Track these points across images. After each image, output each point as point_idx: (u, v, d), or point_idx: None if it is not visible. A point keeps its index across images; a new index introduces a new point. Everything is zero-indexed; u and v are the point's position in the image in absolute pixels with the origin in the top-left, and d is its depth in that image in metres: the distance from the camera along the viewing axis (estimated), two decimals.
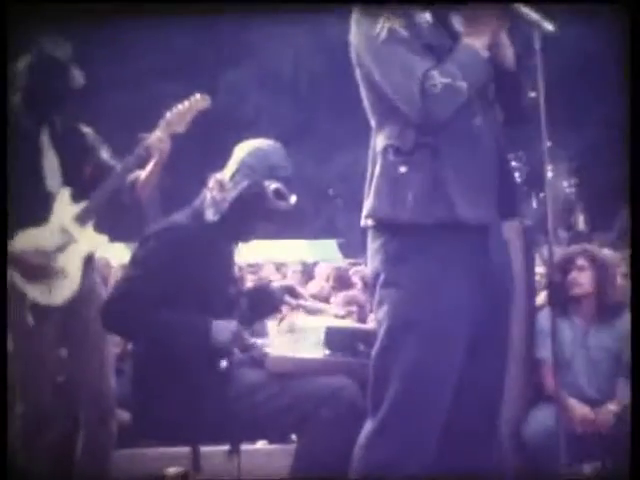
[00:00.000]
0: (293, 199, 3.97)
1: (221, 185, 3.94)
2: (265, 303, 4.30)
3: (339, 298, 6.81)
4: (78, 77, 4.57)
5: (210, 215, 3.94)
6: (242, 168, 3.95)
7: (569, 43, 17.65)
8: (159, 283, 3.78)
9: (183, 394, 3.76)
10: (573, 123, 19.86)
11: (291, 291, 4.48)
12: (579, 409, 4.72)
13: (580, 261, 4.90)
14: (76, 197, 4.55)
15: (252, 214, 3.96)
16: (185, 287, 3.80)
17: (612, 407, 4.72)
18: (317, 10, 22.57)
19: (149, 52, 22.06)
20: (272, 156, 3.99)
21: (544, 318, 4.67)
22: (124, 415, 4.79)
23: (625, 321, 4.68)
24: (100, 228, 4.61)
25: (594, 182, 22.81)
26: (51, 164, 4.57)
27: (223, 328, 3.77)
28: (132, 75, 21.29)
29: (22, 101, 4.55)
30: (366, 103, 3.20)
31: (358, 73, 3.18)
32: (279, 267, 11.72)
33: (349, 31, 3.17)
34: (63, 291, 4.47)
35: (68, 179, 4.57)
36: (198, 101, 4.51)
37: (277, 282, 6.11)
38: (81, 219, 4.51)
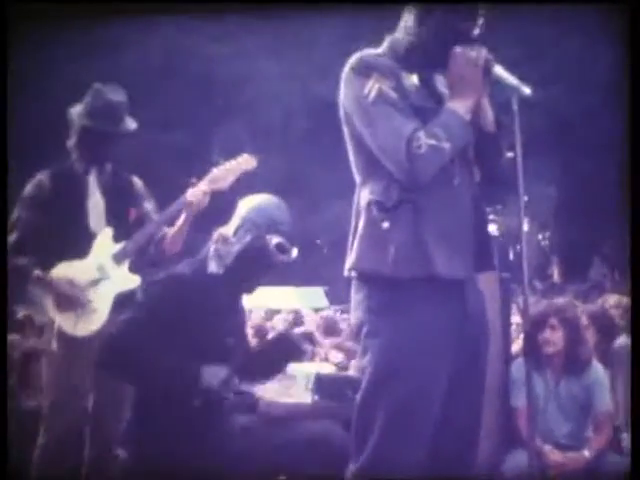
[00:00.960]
0: (294, 252, 3.99)
1: (225, 239, 3.95)
2: (288, 351, 4.25)
3: (327, 344, 6.80)
4: (130, 123, 4.62)
5: (214, 268, 3.94)
6: (245, 223, 3.95)
7: (548, 104, 17.81)
8: (157, 328, 3.77)
9: (176, 436, 3.74)
10: (549, 178, 20.00)
11: (310, 338, 4.47)
12: (552, 455, 4.79)
13: (552, 320, 5.01)
14: (117, 237, 4.58)
15: (255, 267, 3.96)
16: (184, 335, 3.80)
17: (586, 453, 4.82)
18: (308, 70, 22.79)
19: (144, 106, 22.19)
20: (274, 212, 4.00)
21: (518, 368, 4.82)
22: (122, 453, 4.76)
23: (592, 372, 4.96)
24: (135, 269, 4.62)
25: (568, 235, 22.93)
26: (97, 204, 4.63)
27: (213, 374, 3.77)
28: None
29: (77, 142, 4.58)
30: (352, 160, 3.23)
31: (346, 131, 3.21)
32: (268, 314, 11.68)
33: (338, 90, 3.21)
34: (90, 325, 4.46)
35: (112, 220, 4.61)
36: (245, 160, 4.53)
37: (297, 330, 6.07)
38: (117, 258, 4.52)
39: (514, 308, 6.11)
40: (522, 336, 3.32)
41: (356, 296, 3.18)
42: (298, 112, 22.58)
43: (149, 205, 4.76)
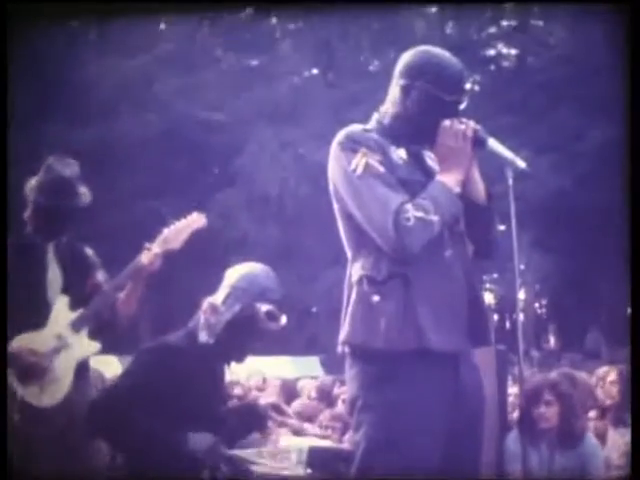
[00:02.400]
0: (284, 320, 3.98)
1: (214, 308, 3.95)
2: (251, 420, 4.27)
3: (326, 415, 6.75)
4: (85, 195, 4.63)
5: (204, 337, 3.95)
6: (234, 292, 3.96)
7: (542, 173, 17.93)
8: (146, 396, 3.77)
9: None
10: (544, 248, 20.06)
11: (276, 408, 4.46)
12: None
13: (548, 396, 5.02)
14: (73, 305, 4.56)
15: (245, 335, 3.96)
16: (172, 403, 3.79)
17: None
18: (301, 137, 22.96)
19: (141, 172, 22.27)
20: (263, 280, 4.00)
21: (514, 440, 4.87)
22: None
23: (586, 445, 4.98)
24: (94, 336, 4.61)
25: (564, 304, 22.94)
26: (54, 276, 4.61)
27: (199, 440, 3.75)
28: (125, 194, 21.44)
29: (32, 216, 4.60)
30: (343, 234, 3.24)
31: (335, 206, 3.22)
32: (263, 382, 11.60)
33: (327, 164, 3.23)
34: (54, 394, 4.44)
35: (68, 289, 4.60)
36: (195, 220, 4.54)
37: (263, 399, 6.05)
38: (76, 326, 4.52)
39: (510, 378, 6.10)
40: (518, 416, 3.30)
41: (350, 370, 3.16)
42: (293, 180, 22.70)
43: (101, 276, 4.76)
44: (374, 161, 3.09)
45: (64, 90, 21.05)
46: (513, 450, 4.85)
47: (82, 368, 4.53)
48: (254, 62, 25.75)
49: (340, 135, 3.19)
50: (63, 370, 4.48)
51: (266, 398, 7.85)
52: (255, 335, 3.98)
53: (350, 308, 3.14)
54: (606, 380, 5.92)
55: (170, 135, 22.39)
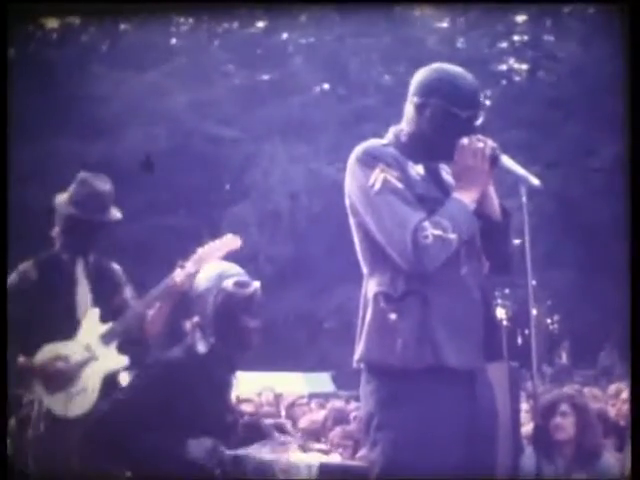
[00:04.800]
0: (256, 284, 4.01)
1: (198, 322, 3.98)
2: (254, 438, 4.27)
3: (337, 431, 6.73)
4: (115, 212, 4.67)
5: (201, 347, 3.96)
6: (204, 294, 3.99)
7: (555, 187, 17.91)
8: (149, 411, 3.79)
9: None
10: (556, 263, 20.02)
11: (281, 428, 4.47)
12: None
13: (563, 407, 4.99)
14: (104, 318, 4.60)
15: (233, 321, 3.97)
16: (175, 414, 3.82)
17: None
18: (313, 152, 22.98)
19: (154, 187, 22.30)
20: (221, 266, 4.10)
21: (529, 457, 4.78)
22: None
23: (604, 460, 4.92)
24: (122, 351, 4.63)
25: (577, 320, 22.86)
26: (83, 290, 4.67)
27: (198, 445, 3.77)
28: (137, 210, 21.49)
29: (62, 230, 4.64)
30: (359, 250, 3.23)
31: (352, 221, 3.22)
32: (276, 398, 11.60)
33: (344, 179, 3.23)
34: (80, 405, 4.45)
35: (97, 303, 4.65)
36: (230, 240, 4.58)
37: (269, 419, 6.06)
38: (106, 339, 4.54)
39: (523, 395, 6.07)
40: (532, 425, 3.29)
41: (365, 387, 3.16)
42: (305, 194, 22.71)
43: (128, 292, 4.79)
44: (392, 177, 3.09)
45: (74, 104, 21.13)
46: (528, 466, 4.77)
47: (110, 381, 4.55)
48: (265, 77, 25.79)
49: (358, 150, 3.19)
50: (91, 381, 4.51)
51: (274, 417, 7.86)
52: (239, 313, 3.98)
53: (366, 325, 3.13)
54: (619, 398, 5.90)
55: (181, 150, 22.41)
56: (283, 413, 9.45)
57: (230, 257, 4.48)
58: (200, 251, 4.54)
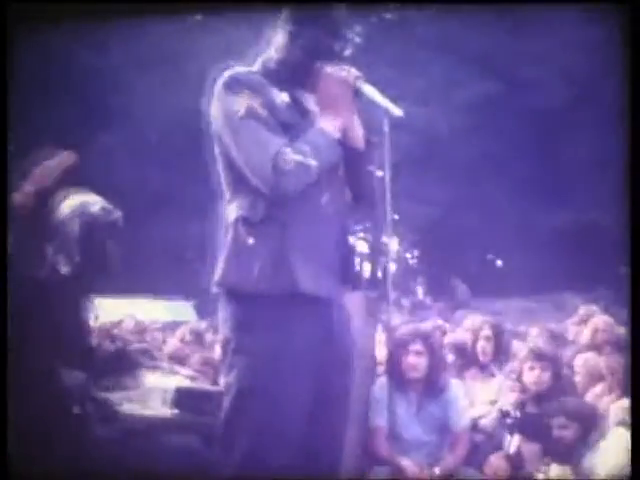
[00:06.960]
0: (117, 214, 4.11)
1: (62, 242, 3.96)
2: (122, 364, 4.28)
3: (196, 358, 6.76)
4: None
5: (65, 268, 3.94)
6: (71, 211, 4.03)
7: (420, 124, 18.09)
8: (21, 329, 3.74)
9: (38, 438, 3.69)
10: (420, 197, 20.29)
11: (147, 353, 4.48)
12: (411, 469, 4.92)
13: (417, 346, 5.12)
14: None
15: (97, 243, 3.96)
16: (41, 337, 3.77)
17: (436, 471, 4.97)
18: (180, 76, 22.68)
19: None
20: (84, 197, 4.14)
21: (381, 387, 5.02)
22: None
23: (450, 392, 5.14)
24: None
25: (435, 255, 23.33)
26: None
27: (72, 377, 3.75)
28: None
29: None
30: (221, 175, 3.21)
31: (215, 147, 3.19)
32: (138, 325, 11.55)
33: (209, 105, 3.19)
34: None
35: None
36: (65, 157, 4.54)
37: (135, 345, 6.06)
38: None
39: (380, 326, 6.16)
40: (386, 363, 3.35)
41: (223, 312, 3.16)
42: (171, 126, 22.44)
43: None
44: (256, 104, 3.08)
45: (75, 104, 20.44)
46: (380, 396, 4.98)
47: None
48: None
49: (225, 76, 3.16)
50: None
51: (140, 343, 7.85)
52: (106, 247, 3.98)
53: (225, 250, 3.13)
54: (479, 335, 6.03)
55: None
56: (148, 340, 9.44)
57: (95, 186, 4.46)
58: (37, 170, 4.49)
